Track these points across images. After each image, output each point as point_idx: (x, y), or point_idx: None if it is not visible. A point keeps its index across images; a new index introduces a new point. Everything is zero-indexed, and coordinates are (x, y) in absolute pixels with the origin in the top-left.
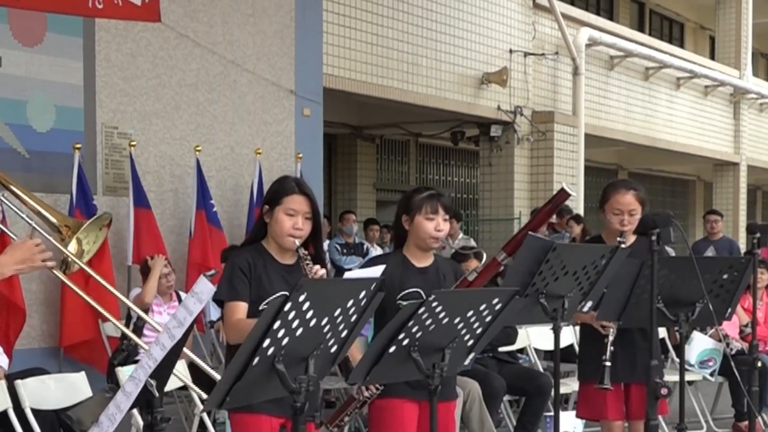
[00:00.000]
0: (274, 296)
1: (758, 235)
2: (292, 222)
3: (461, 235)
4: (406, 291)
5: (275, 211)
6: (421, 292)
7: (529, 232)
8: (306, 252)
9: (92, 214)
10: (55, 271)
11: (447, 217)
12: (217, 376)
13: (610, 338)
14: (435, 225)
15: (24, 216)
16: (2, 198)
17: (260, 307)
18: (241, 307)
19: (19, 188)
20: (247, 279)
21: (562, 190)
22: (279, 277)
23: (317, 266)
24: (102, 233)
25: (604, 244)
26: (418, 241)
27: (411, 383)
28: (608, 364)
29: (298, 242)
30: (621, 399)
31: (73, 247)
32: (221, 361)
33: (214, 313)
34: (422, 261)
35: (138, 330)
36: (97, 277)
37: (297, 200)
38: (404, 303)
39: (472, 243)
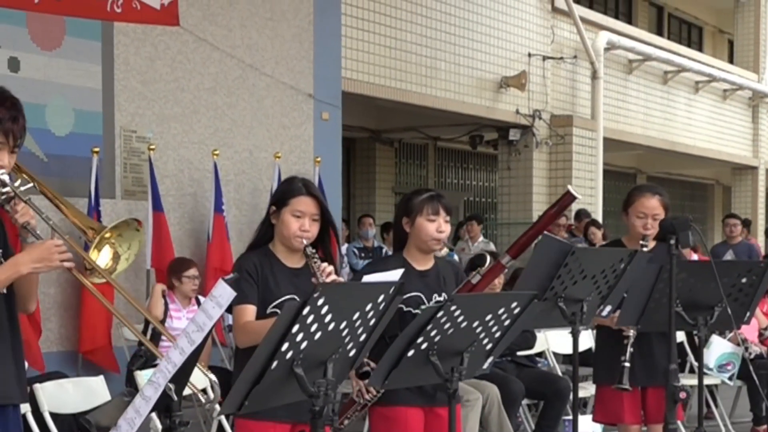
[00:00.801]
0: (282, 299)
1: None
2: (299, 224)
3: (481, 238)
4: (407, 295)
5: (282, 213)
6: (422, 297)
7: (545, 233)
8: (314, 250)
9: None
10: (74, 272)
11: (448, 218)
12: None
13: (630, 339)
14: (436, 226)
15: (43, 217)
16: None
17: (268, 311)
18: (250, 310)
19: (47, 189)
20: (254, 282)
21: (568, 192)
22: (286, 280)
23: (325, 264)
24: (137, 238)
25: (623, 248)
26: (420, 243)
27: (413, 389)
28: (627, 364)
29: (305, 242)
30: (638, 403)
31: (108, 252)
32: None
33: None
34: (423, 264)
35: (156, 336)
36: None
37: (304, 202)
38: (420, 308)
39: (492, 247)
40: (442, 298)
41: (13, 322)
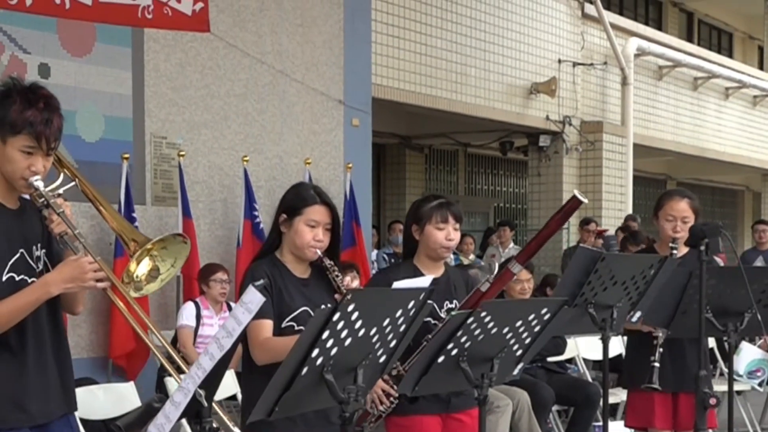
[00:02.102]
0: (297, 312)
1: None
2: (312, 234)
3: (512, 244)
4: None
5: (294, 222)
6: (434, 305)
7: (581, 245)
8: (332, 262)
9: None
10: (107, 292)
11: (458, 225)
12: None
13: (660, 340)
14: (446, 234)
15: (75, 233)
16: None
17: (283, 325)
18: (267, 325)
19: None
20: (269, 294)
21: (574, 197)
22: (298, 291)
23: (348, 278)
24: (182, 255)
25: (653, 254)
26: (429, 251)
27: (428, 397)
28: (657, 364)
29: (319, 252)
30: (669, 408)
31: (146, 265)
32: None
33: None
34: (433, 271)
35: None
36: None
37: (319, 211)
38: (448, 314)
39: None
40: (453, 305)
41: (56, 327)
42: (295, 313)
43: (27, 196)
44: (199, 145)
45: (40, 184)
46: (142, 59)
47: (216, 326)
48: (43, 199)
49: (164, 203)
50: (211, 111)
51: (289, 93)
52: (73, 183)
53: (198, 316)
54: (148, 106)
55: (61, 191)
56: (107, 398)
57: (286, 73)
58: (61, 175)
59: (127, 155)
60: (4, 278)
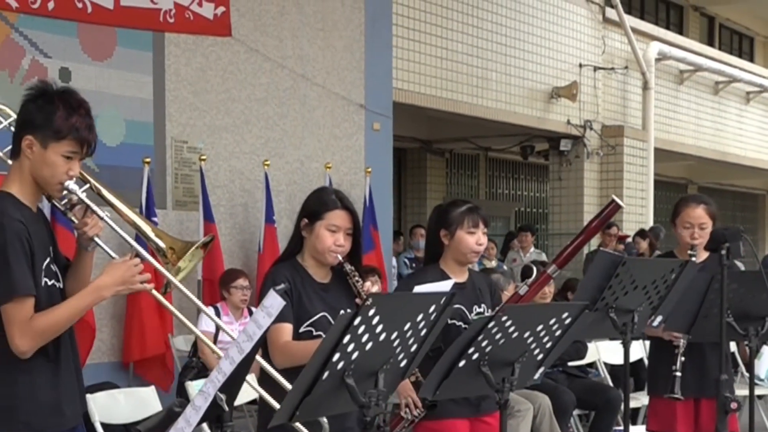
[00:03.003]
0: (316, 317)
1: None
2: (333, 238)
3: (533, 248)
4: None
5: (316, 226)
6: (463, 308)
7: (601, 249)
8: (353, 267)
9: None
10: (153, 293)
11: (486, 230)
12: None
13: (681, 349)
14: (476, 239)
15: (125, 235)
16: (105, 216)
17: (301, 330)
18: (287, 329)
19: (126, 205)
20: (289, 298)
21: (613, 201)
22: (317, 296)
23: (368, 283)
24: (198, 251)
25: (673, 258)
26: (458, 255)
27: (458, 400)
28: (679, 374)
29: (340, 257)
30: (691, 413)
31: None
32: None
33: None
34: (460, 276)
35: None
36: (191, 296)
37: (340, 216)
38: (474, 316)
39: (543, 257)
40: (482, 309)
41: (71, 331)
42: (314, 319)
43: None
44: (220, 150)
45: (75, 187)
46: (163, 63)
47: (236, 332)
48: (72, 200)
49: (185, 207)
50: (231, 115)
51: (310, 97)
52: (87, 186)
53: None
54: (169, 110)
55: (83, 196)
56: (128, 402)
57: (307, 78)
58: (87, 184)
59: (148, 159)
60: (42, 284)
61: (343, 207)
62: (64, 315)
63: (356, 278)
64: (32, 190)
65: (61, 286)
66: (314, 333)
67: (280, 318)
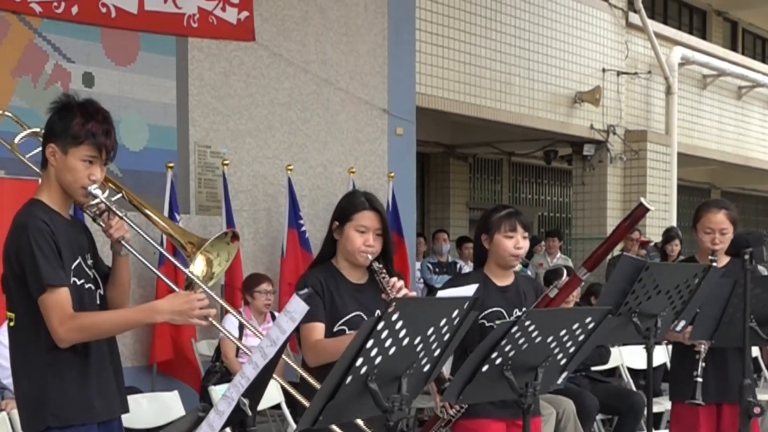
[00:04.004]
0: (349, 316)
1: None
2: (363, 239)
3: (559, 253)
4: (488, 311)
5: (345, 228)
6: (503, 312)
7: (624, 254)
8: (381, 266)
9: None
10: (212, 321)
11: (526, 234)
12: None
13: (702, 354)
14: (514, 243)
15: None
16: (124, 217)
17: (335, 329)
18: (319, 328)
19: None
20: (321, 299)
21: (641, 204)
22: (351, 297)
23: (394, 279)
24: (233, 250)
25: (697, 263)
26: (499, 259)
27: (495, 402)
28: (700, 380)
29: (370, 257)
30: (713, 418)
31: (201, 265)
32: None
33: None
34: (503, 280)
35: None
36: (225, 304)
37: (368, 216)
38: (489, 323)
39: (570, 263)
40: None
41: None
42: (347, 318)
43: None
44: (243, 154)
45: (98, 191)
46: (186, 68)
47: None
48: (99, 206)
49: (208, 212)
50: (255, 120)
51: (333, 102)
52: (120, 195)
53: (241, 327)
54: (193, 115)
55: (104, 197)
56: (151, 407)
57: (331, 82)
58: (107, 190)
59: (171, 164)
60: (71, 281)
61: (371, 208)
62: (110, 321)
63: (383, 275)
64: (60, 197)
65: (102, 291)
66: (348, 332)
67: (312, 318)
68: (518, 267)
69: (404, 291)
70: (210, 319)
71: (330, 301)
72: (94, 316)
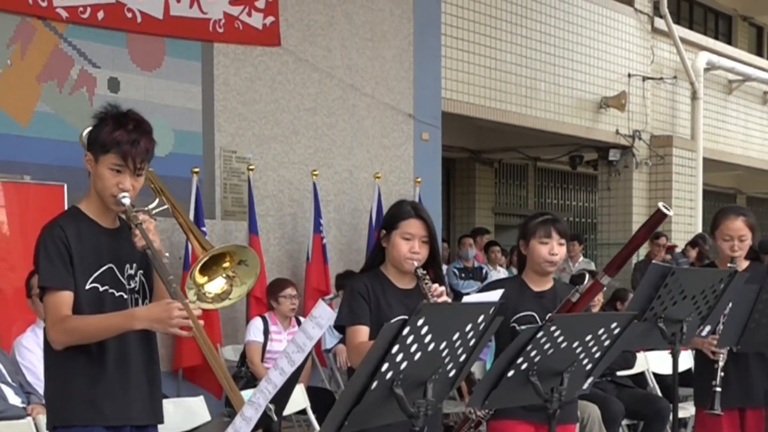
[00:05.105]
0: (393, 321)
1: None
2: (408, 246)
3: (581, 258)
4: (520, 314)
5: (392, 236)
6: (535, 316)
7: (653, 261)
8: (425, 272)
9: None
10: (195, 338)
11: (562, 241)
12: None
13: (720, 363)
14: (549, 249)
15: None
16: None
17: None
18: (363, 331)
19: (180, 214)
20: (366, 303)
21: (659, 210)
22: (398, 301)
23: (436, 285)
24: (253, 272)
25: (722, 269)
26: (534, 265)
27: (527, 405)
28: (718, 389)
29: (416, 264)
30: (736, 424)
31: (221, 282)
32: (339, 385)
33: (330, 340)
34: (540, 285)
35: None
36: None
37: (414, 224)
38: (522, 327)
39: (592, 266)
40: None
41: (146, 341)
42: (391, 322)
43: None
44: (269, 160)
45: (126, 201)
46: (211, 73)
47: (284, 342)
48: (139, 218)
49: (234, 217)
50: (280, 125)
51: (359, 107)
52: (165, 206)
53: (266, 332)
54: (218, 120)
55: (153, 212)
56: (177, 412)
57: (356, 88)
58: (157, 200)
59: (196, 169)
60: (87, 287)
61: (416, 216)
62: (93, 325)
63: (426, 281)
64: (98, 205)
65: (149, 302)
66: None
67: (356, 320)
68: None
69: (444, 297)
70: (193, 330)
71: (376, 305)
72: (81, 319)
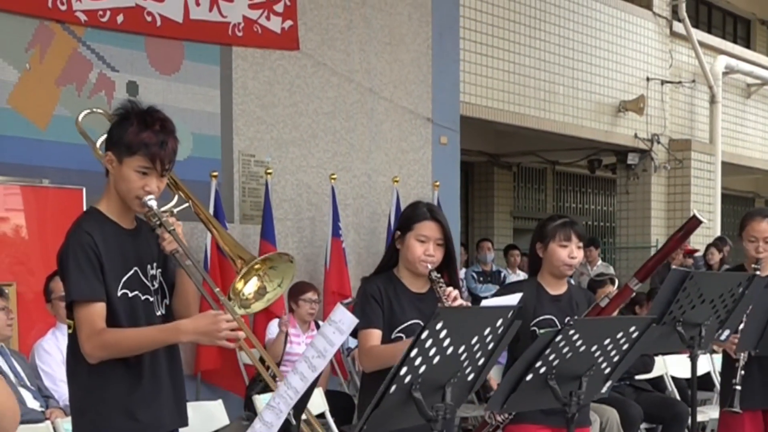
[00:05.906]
0: (407, 324)
1: None
2: (423, 248)
3: (599, 261)
4: (540, 318)
5: (406, 238)
6: (555, 320)
7: (673, 266)
8: (439, 275)
9: None
10: (238, 349)
11: (581, 244)
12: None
13: (741, 362)
14: (568, 252)
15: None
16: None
17: (393, 335)
18: (375, 335)
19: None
20: (379, 306)
21: (694, 217)
22: (411, 305)
23: (450, 288)
24: (288, 275)
25: (741, 272)
26: (552, 268)
27: (544, 409)
28: (738, 387)
29: (430, 266)
30: (759, 425)
31: (254, 285)
32: (358, 388)
33: (353, 340)
34: (556, 289)
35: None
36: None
37: (428, 226)
38: (541, 330)
39: (611, 270)
40: None
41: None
42: (405, 325)
43: (143, 217)
44: (287, 163)
45: (153, 203)
46: (230, 77)
47: (303, 345)
48: (156, 218)
49: (252, 221)
50: (299, 129)
51: (377, 111)
52: (186, 204)
53: (285, 335)
54: (237, 124)
55: (174, 211)
56: (196, 416)
57: (375, 91)
58: (176, 197)
59: (215, 173)
60: (119, 294)
61: (432, 218)
62: (133, 339)
63: (440, 284)
64: (119, 206)
65: (168, 301)
66: (405, 339)
67: (369, 323)
68: None
69: (459, 301)
70: (241, 341)
71: (389, 308)
72: (118, 333)
